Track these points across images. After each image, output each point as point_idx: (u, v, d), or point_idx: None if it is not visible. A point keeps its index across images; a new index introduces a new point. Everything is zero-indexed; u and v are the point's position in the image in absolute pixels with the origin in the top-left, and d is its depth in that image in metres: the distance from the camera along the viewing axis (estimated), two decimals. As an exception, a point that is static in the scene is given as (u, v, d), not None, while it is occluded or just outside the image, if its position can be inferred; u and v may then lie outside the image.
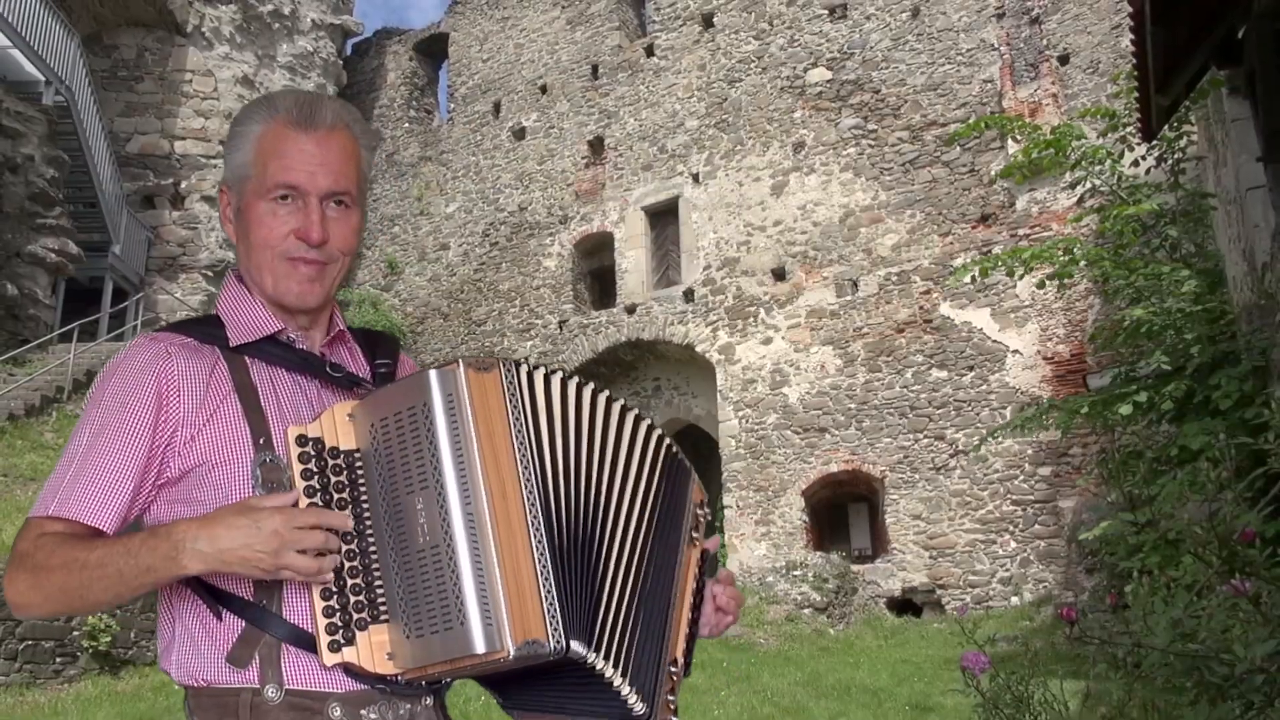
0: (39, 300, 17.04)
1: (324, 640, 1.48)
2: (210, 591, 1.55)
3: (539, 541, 1.47)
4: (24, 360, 16.05)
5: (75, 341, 16.53)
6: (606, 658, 1.51)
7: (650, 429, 1.73)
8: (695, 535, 1.77)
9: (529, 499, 1.49)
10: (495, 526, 1.44)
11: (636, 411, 1.72)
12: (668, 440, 1.76)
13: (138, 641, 10.66)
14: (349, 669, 1.50)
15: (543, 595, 1.44)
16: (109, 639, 10.33)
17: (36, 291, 16.95)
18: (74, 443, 1.59)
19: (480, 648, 1.40)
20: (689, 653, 1.72)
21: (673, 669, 1.65)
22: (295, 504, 1.50)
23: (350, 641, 1.48)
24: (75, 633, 10.23)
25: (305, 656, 1.52)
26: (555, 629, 1.44)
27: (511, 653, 1.40)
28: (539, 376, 1.60)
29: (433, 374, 1.49)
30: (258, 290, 1.71)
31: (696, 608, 1.76)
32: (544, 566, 1.46)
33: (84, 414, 1.63)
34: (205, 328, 1.69)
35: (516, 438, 1.51)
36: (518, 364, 1.58)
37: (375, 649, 1.49)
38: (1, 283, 16.11)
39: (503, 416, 1.51)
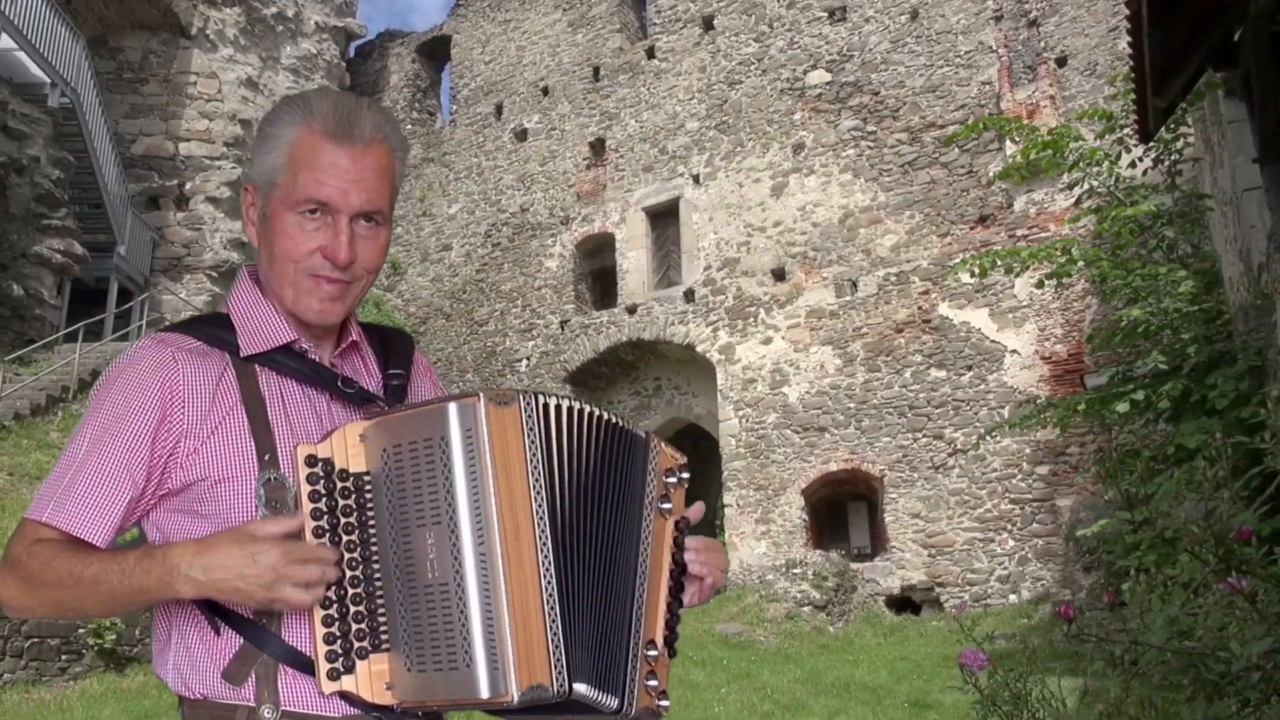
0: (45, 300, 17.05)
1: (323, 667, 1.45)
2: (209, 605, 1.51)
3: (549, 582, 1.44)
4: (30, 360, 16.06)
5: (80, 341, 16.52)
6: (599, 688, 1.48)
7: (613, 424, 1.60)
8: (665, 506, 1.66)
9: (541, 538, 1.45)
10: (507, 567, 1.41)
11: (599, 413, 1.59)
12: (622, 423, 1.62)
13: (143, 639, 10.65)
14: (346, 696, 1.47)
15: (549, 638, 1.42)
16: (114, 637, 10.34)
17: (42, 292, 16.96)
18: (74, 446, 1.55)
19: (485, 692, 1.39)
20: (671, 629, 1.65)
21: (651, 653, 1.57)
22: (300, 530, 1.46)
23: (350, 670, 1.46)
24: (81, 630, 10.24)
25: (303, 679, 1.49)
26: (560, 672, 1.41)
27: (516, 698, 1.38)
28: (552, 406, 1.53)
29: (453, 408, 1.45)
30: (274, 298, 1.66)
31: (676, 581, 1.68)
32: (552, 608, 1.43)
33: (86, 415, 1.58)
34: (215, 330, 1.64)
35: (532, 475, 1.47)
36: (536, 395, 1.52)
37: (375, 678, 1.46)
38: (8, 283, 16.11)
39: (520, 453, 1.46)
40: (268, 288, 1.67)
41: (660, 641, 1.60)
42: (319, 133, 1.59)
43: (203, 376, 1.57)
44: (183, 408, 1.54)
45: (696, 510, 1.73)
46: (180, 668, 1.54)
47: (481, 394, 1.46)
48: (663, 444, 1.70)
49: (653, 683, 1.56)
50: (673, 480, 1.68)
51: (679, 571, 1.68)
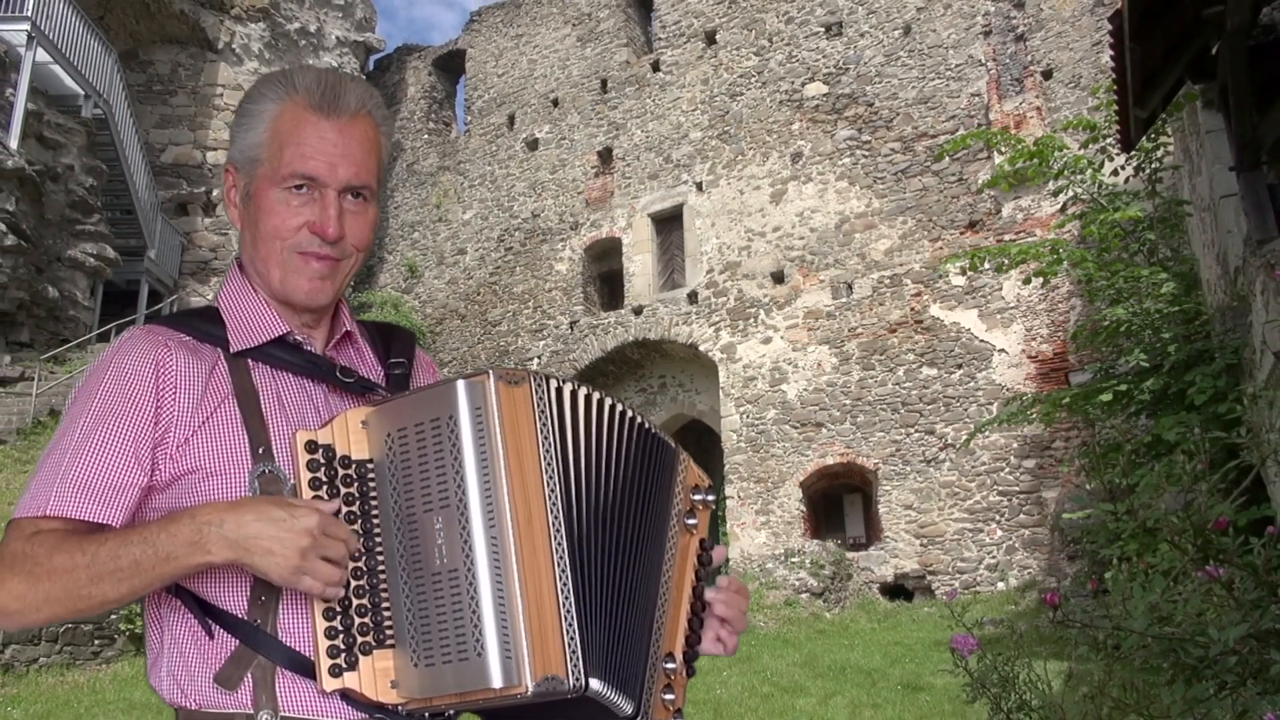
0: (78, 302, 17.10)
1: (324, 664, 1.30)
2: (200, 605, 1.36)
3: (562, 571, 1.30)
4: (64, 359, 16.11)
5: (112, 341, 16.56)
6: (614, 684, 1.34)
7: (643, 427, 1.49)
8: (690, 522, 1.53)
9: (554, 525, 1.31)
10: (519, 553, 1.27)
11: (626, 411, 1.47)
12: (654, 429, 1.51)
13: (172, 624, 10.70)
14: (348, 696, 1.32)
15: (564, 629, 1.27)
16: (144, 622, 10.37)
17: (76, 294, 17.01)
18: (66, 436, 1.36)
19: (498, 682, 1.24)
20: (691, 646, 1.50)
21: (669, 665, 1.43)
22: (336, 513, 1.33)
23: (353, 666, 1.31)
24: (113, 616, 10.27)
25: (301, 682, 1.33)
26: (575, 665, 1.27)
27: (530, 689, 1.23)
28: (566, 391, 1.40)
29: (461, 385, 1.30)
30: (262, 283, 1.51)
31: (699, 599, 1.53)
32: (566, 598, 1.29)
33: (73, 405, 1.40)
34: (203, 325, 1.48)
35: (544, 458, 1.33)
36: (547, 378, 1.38)
37: (378, 676, 1.31)
38: (43, 285, 16.16)
39: (531, 435, 1.33)
40: (253, 273, 1.52)
41: (679, 655, 1.47)
42: (303, 106, 1.46)
43: (195, 367, 1.42)
44: (174, 394, 1.38)
45: (720, 553, 1.60)
46: (173, 675, 1.37)
47: (491, 371, 1.32)
48: (691, 461, 1.57)
49: (669, 696, 1.43)
50: (699, 499, 1.56)
51: (701, 591, 1.55)
